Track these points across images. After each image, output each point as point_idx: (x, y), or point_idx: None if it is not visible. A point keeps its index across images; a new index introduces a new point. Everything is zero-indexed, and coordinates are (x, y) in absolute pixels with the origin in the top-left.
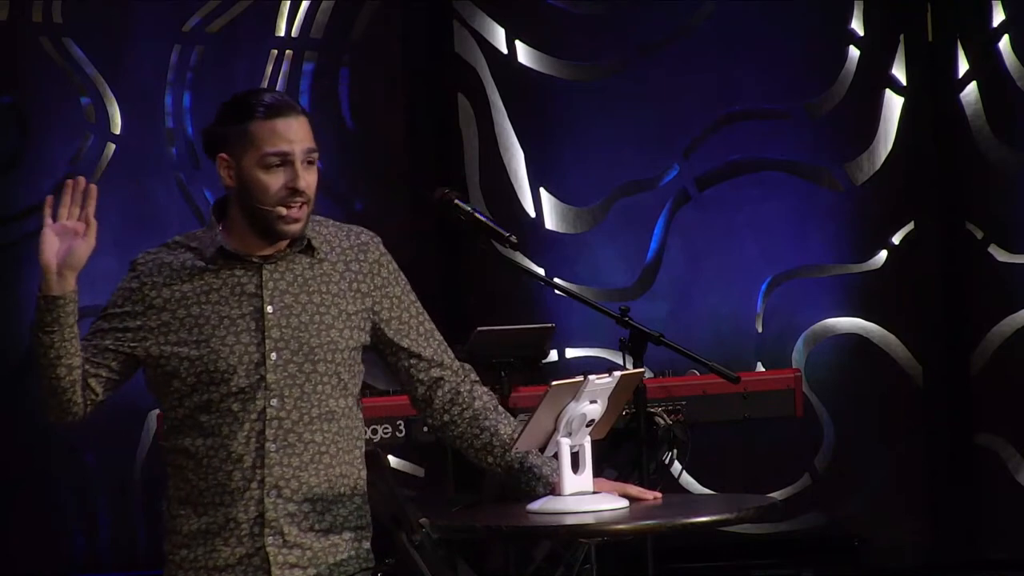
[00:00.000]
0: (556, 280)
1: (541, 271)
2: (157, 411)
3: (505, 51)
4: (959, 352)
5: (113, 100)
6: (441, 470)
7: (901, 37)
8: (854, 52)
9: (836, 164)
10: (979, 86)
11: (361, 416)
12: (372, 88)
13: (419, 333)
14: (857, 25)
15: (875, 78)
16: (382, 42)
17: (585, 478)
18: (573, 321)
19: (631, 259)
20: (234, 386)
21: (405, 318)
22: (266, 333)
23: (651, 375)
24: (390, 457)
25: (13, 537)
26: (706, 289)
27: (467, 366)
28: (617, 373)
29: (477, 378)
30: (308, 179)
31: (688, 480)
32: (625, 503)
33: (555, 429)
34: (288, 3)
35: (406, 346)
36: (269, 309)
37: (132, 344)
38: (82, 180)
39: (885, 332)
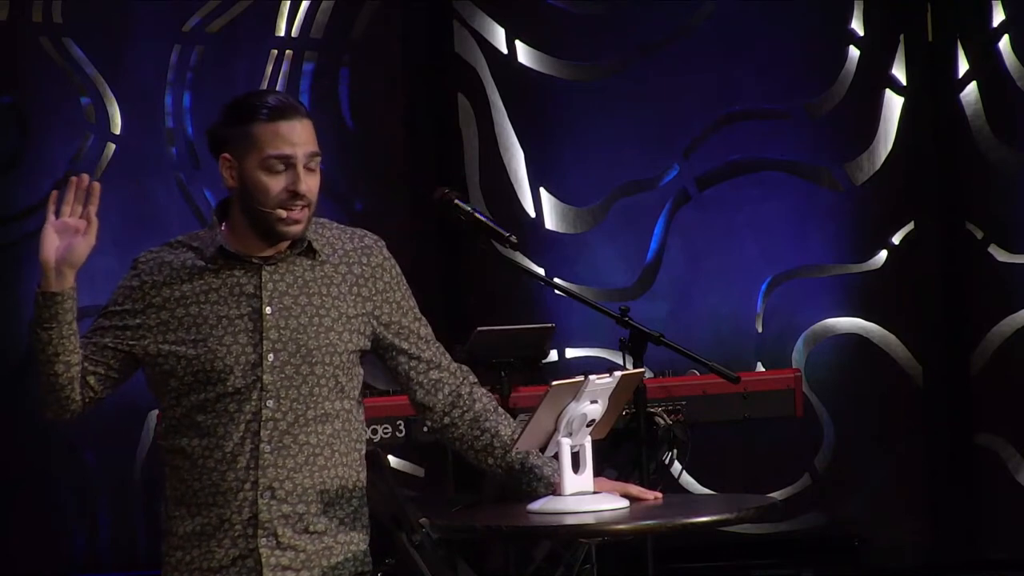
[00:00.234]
0: (556, 280)
1: (541, 271)
2: (157, 411)
3: (505, 51)
4: (959, 352)
5: (113, 100)
6: (441, 470)
7: (901, 37)
8: (854, 52)
9: (836, 164)
10: (979, 86)
11: (361, 419)
12: (372, 88)
13: (419, 337)
14: (857, 25)
15: (875, 78)
16: (382, 42)
17: (585, 478)
18: (573, 321)
19: (631, 259)
20: (230, 386)
21: (405, 323)
22: (264, 334)
23: (651, 375)
24: (390, 457)
25: (13, 537)
26: (706, 289)
27: (465, 368)
28: (617, 373)
29: (475, 380)
30: (309, 183)
31: (688, 480)
32: (625, 503)
33: (555, 429)
34: (288, 3)
35: (406, 348)
36: (268, 310)
37: (131, 342)
38: (85, 177)
39: (885, 332)
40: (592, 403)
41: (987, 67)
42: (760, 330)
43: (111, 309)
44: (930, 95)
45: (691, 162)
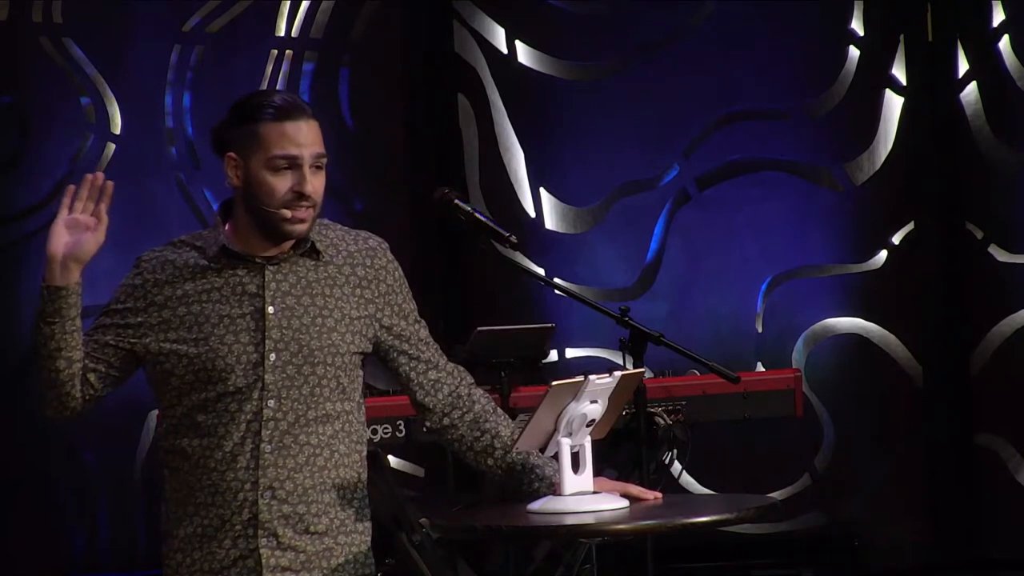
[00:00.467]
0: (556, 280)
1: (541, 271)
2: (157, 411)
3: (505, 51)
4: (959, 352)
5: (113, 100)
6: (441, 470)
7: (901, 37)
8: (854, 52)
9: (836, 164)
10: (979, 86)
11: (362, 420)
12: (372, 88)
13: (419, 339)
14: (857, 25)
15: (875, 78)
16: (382, 42)
17: (585, 478)
18: (573, 321)
19: (631, 259)
20: (231, 385)
21: (405, 325)
22: (266, 334)
23: (651, 375)
24: (390, 457)
25: (13, 537)
26: (706, 289)
27: (462, 369)
28: (617, 373)
29: (472, 381)
30: (315, 183)
31: (688, 480)
32: (625, 503)
33: (555, 429)
34: (288, 3)
35: (406, 350)
36: (270, 310)
37: (132, 340)
38: (100, 176)
39: (885, 332)
40: (592, 403)
41: (987, 67)
42: (760, 330)
43: (113, 307)
44: (930, 95)
45: (691, 162)
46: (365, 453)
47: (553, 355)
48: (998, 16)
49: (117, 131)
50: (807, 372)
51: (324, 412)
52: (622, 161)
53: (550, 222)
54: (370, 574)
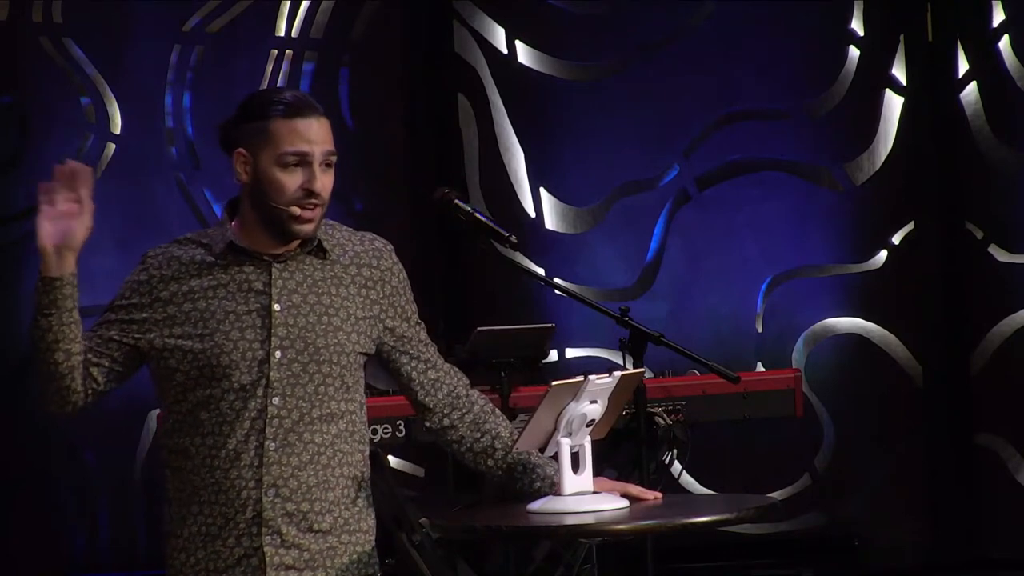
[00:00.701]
0: (556, 280)
1: (541, 271)
2: (157, 411)
3: (505, 51)
4: (959, 352)
5: (113, 100)
6: (441, 470)
7: (901, 37)
8: (854, 52)
9: (836, 164)
10: (979, 86)
11: (365, 420)
12: (372, 88)
13: (419, 340)
14: (857, 25)
15: (875, 78)
16: (382, 42)
17: (585, 478)
18: (573, 321)
19: (631, 259)
20: (236, 382)
21: (406, 328)
22: (272, 331)
23: (651, 375)
24: (390, 457)
25: (13, 537)
26: (706, 289)
27: (459, 370)
28: (617, 373)
29: (468, 382)
30: (324, 181)
31: (688, 480)
32: (625, 503)
33: (555, 429)
34: (288, 3)
35: (407, 350)
36: (277, 307)
37: (136, 336)
38: (69, 163)
39: (885, 332)
40: (592, 403)
41: (987, 67)
42: (760, 330)
43: (118, 303)
44: (930, 95)
45: (691, 162)
46: (368, 453)
47: (553, 355)
48: (998, 16)
49: (117, 131)
50: (807, 372)
51: (329, 411)
52: (622, 161)
53: (550, 222)
54: (374, 573)
